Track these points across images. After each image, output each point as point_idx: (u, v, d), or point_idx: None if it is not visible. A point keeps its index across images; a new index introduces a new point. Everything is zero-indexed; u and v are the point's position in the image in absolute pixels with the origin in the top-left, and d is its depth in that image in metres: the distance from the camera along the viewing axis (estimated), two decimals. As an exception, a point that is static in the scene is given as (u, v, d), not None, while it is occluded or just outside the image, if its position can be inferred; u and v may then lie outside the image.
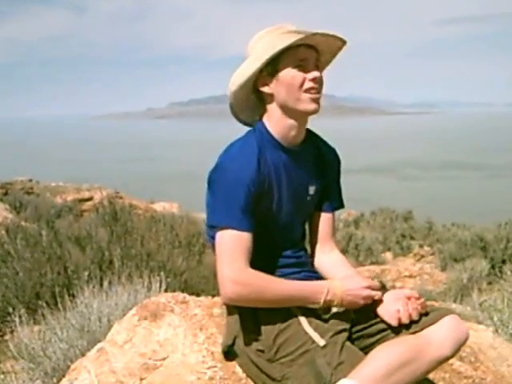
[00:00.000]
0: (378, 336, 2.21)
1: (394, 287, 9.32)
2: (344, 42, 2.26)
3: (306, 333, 2.11)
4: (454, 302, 6.71)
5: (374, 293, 2.18)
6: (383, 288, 2.26)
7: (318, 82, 2.19)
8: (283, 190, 2.27)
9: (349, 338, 2.15)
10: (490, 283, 9.74)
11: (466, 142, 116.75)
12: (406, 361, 1.98)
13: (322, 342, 2.06)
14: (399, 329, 2.15)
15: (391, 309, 2.17)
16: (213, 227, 2.19)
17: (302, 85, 2.16)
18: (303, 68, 2.16)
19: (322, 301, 2.15)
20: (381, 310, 2.20)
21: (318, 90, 2.19)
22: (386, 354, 1.99)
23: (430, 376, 2.62)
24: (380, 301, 2.22)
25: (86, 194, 16.81)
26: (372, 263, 13.47)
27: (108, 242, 6.31)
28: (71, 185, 19.36)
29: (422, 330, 2.11)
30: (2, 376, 3.69)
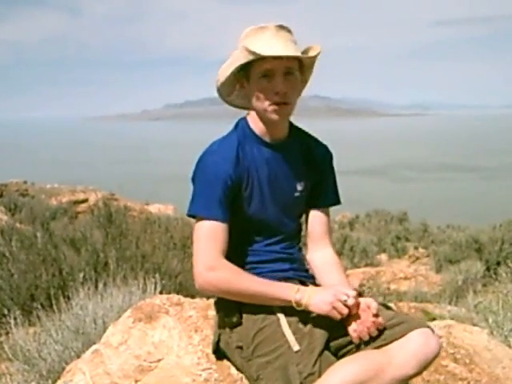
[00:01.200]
0: (349, 347, 2.14)
1: (388, 289, 9.34)
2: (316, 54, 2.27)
3: (284, 335, 2.10)
4: (449, 303, 6.72)
5: (336, 314, 2.05)
6: (359, 296, 2.14)
7: (283, 93, 2.20)
8: (265, 185, 2.31)
9: (329, 346, 2.12)
10: (484, 285, 9.76)
11: (461, 144, 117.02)
12: (363, 379, 1.92)
13: (296, 347, 2.04)
14: (364, 342, 2.09)
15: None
16: (192, 217, 2.27)
17: (266, 97, 2.20)
18: (270, 78, 2.19)
19: (292, 298, 2.10)
20: (347, 323, 2.12)
21: (285, 101, 2.21)
22: (342, 373, 1.94)
23: (425, 378, 2.62)
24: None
25: (81, 196, 16.77)
26: (367, 265, 13.48)
27: (103, 243, 6.30)
28: (66, 186, 19.32)
29: (389, 343, 2.04)
30: (-3, 378, 3.69)
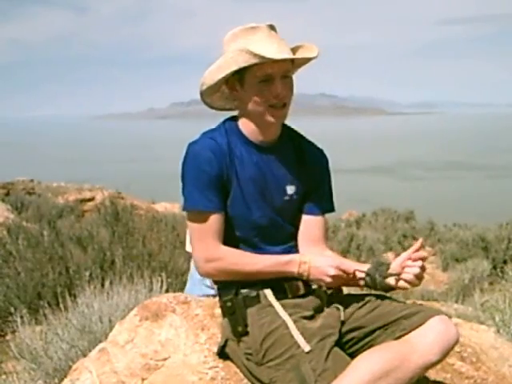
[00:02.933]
0: (366, 339, 2.17)
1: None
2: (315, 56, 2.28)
3: (292, 337, 2.08)
4: (456, 302, 6.71)
5: (340, 273, 2.13)
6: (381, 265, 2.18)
7: (283, 95, 2.22)
8: (251, 186, 2.30)
9: (340, 341, 2.13)
10: (491, 283, 9.74)
11: (467, 142, 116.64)
12: (389, 369, 1.92)
13: (307, 348, 2.03)
14: (384, 334, 2.13)
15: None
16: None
17: (265, 101, 2.20)
18: (268, 82, 2.18)
19: (295, 272, 2.20)
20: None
21: (283, 104, 2.24)
22: (369, 363, 1.94)
23: (431, 376, 2.62)
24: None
25: (88, 195, 16.79)
26: (373, 263, 13.44)
27: (109, 242, 6.32)
28: (73, 185, 19.37)
29: (408, 332, 2.06)
30: (4, 376, 3.70)
